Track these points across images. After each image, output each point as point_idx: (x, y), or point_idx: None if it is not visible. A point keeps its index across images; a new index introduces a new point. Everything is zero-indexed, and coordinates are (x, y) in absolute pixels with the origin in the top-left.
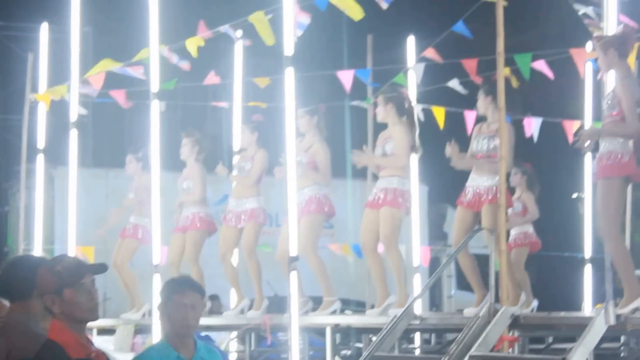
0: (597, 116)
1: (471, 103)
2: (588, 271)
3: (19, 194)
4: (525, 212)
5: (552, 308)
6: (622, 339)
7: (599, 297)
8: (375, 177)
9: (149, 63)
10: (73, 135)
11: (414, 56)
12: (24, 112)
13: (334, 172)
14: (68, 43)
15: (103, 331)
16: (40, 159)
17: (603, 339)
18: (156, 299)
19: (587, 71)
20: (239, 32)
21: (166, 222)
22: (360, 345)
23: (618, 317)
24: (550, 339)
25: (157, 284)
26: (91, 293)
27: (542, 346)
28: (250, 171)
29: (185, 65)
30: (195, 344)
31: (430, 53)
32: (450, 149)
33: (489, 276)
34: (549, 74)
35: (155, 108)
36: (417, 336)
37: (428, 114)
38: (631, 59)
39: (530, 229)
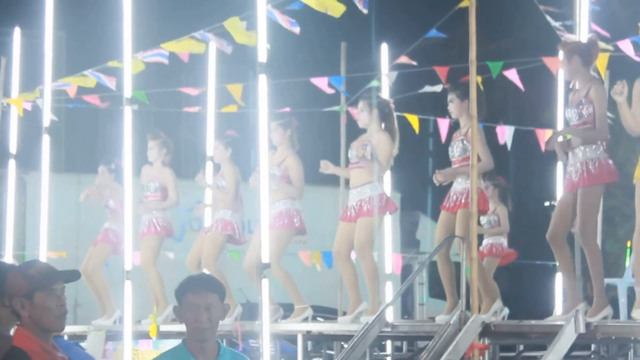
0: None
1: (445, 110)
2: (559, 279)
3: None
4: (498, 226)
5: (523, 316)
6: (593, 347)
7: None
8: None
9: (123, 69)
10: (45, 140)
11: (387, 63)
12: None
13: (306, 179)
14: (41, 47)
15: (74, 337)
16: (12, 164)
17: (573, 347)
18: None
19: (559, 79)
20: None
21: (138, 227)
22: (331, 352)
23: (588, 325)
24: (521, 347)
25: (128, 290)
26: (61, 299)
27: (513, 354)
28: (225, 189)
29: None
30: (219, 349)
31: (403, 60)
32: (440, 176)
33: (460, 284)
34: (519, 84)
35: (128, 113)
36: (389, 344)
37: (401, 121)
38: (602, 69)
39: (503, 241)
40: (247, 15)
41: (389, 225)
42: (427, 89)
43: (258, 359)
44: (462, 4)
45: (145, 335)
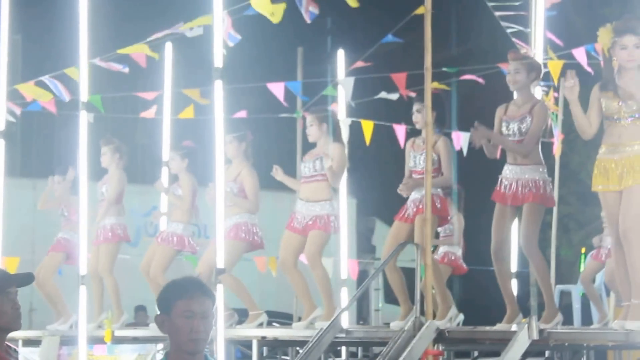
0: None
1: (401, 117)
2: (514, 285)
3: None
4: (452, 236)
5: (478, 322)
6: (547, 353)
7: (524, 312)
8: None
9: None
10: (0, 144)
11: (343, 69)
12: None
13: (263, 185)
14: None
15: (28, 342)
16: None
17: (527, 354)
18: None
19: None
20: (169, 47)
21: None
22: (286, 358)
23: (541, 331)
24: (476, 353)
25: (82, 295)
26: (15, 303)
27: None
28: (181, 197)
29: (125, 69)
30: None
31: (360, 66)
32: (404, 189)
33: (414, 290)
34: (479, 80)
35: (84, 118)
36: (344, 349)
37: (357, 127)
38: (555, 76)
39: (458, 250)
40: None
41: (345, 231)
42: (383, 95)
43: None
44: (418, 11)
45: (100, 340)
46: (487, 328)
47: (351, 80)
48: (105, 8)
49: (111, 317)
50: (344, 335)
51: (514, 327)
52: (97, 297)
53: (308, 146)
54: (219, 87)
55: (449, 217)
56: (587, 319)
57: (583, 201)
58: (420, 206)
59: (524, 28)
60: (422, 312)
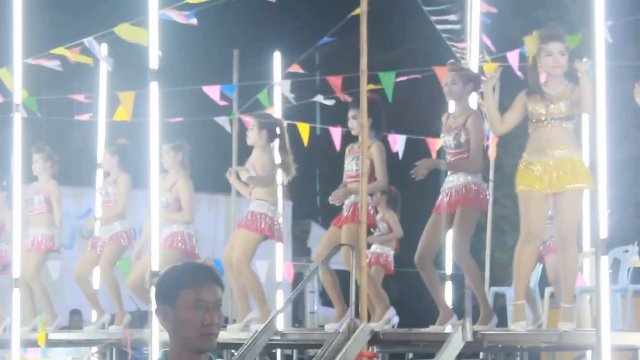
0: None
1: (337, 119)
2: (449, 288)
3: None
4: (390, 232)
5: (414, 324)
6: (481, 355)
7: (460, 314)
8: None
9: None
10: (17, 118)
11: (279, 72)
12: None
13: (200, 187)
14: None
15: None
16: None
17: (462, 355)
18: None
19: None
20: (104, 48)
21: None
22: None
23: (475, 333)
24: (411, 355)
25: (16, 298)
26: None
27: None
28: (116, 196)
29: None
30: None
31: (295, 69)
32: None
33: (349, 292)
34: (411, 77)
35: (18, 120)
36: (279, 352)
37: (293, 129)
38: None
39: (390, 252)
40: (138, 21)
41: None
42: (319, 98)
43: None
44: (354, 13)
45: (34, 344)
46: (422, 330)
47: (287, 82)
48: (42, 8)
49: (45, 321)
50: (278, 337)
51: (448, 329)
52: (28, 301)
53: (243, 148)
54: (154, 89)
55: (374, 224)
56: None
57: (518, 204)
58: (348, 214)
59: (459, 32)
60: (358, 314)
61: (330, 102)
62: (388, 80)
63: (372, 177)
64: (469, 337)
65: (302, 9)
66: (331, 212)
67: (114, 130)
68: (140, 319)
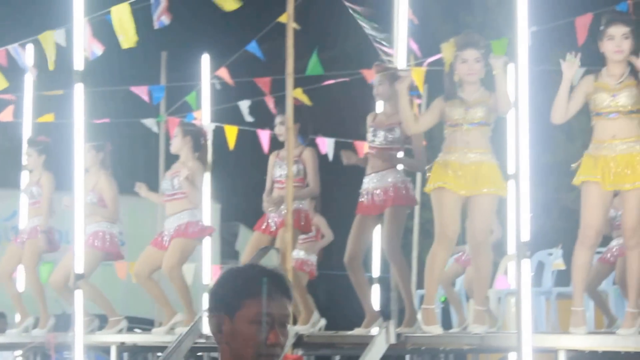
0: None
1: (265, 122)
2: (376, 290)
3: None
4: (318, 237)
5: (341, 327)
6: (407, 357)
7: (386, 317)
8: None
9: None
10: (80, 87)
11: (208, 74)
12: None
13: (126, 189)
14: None
15: None
16: None
17: (388, 358)
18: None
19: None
20: (30, 51)
21: None
22: None
23: (399, 335)
24: (337, 358)
25: None
26: None
27: None
28: (41, 196)
29: None
30: None
31: (223, 72)
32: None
33: None
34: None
35: None
36: (205, 355)
37: (221, 132)
38: (420, 84)
39: (314, 259)
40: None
41: (208, 237)
42: (244, 102)
43: None
44: (281, 18)
45: None
46: (348, 333)
47: (215, 85)
48: None
49: None
50: (204, 340)
51: (374, 332)
52: None
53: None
54: (79, 91)
55: (310, 230)
56: (447, 323)
57: None
58: (279, 220)
59: (388, 36)
60: None
61: (249, 119)
62: (315, 66)
63: (303, 182)
64: (393, 340)
65: (231, 12)
66: (259, 215)
67: (40, 131)
68: (65, 322)
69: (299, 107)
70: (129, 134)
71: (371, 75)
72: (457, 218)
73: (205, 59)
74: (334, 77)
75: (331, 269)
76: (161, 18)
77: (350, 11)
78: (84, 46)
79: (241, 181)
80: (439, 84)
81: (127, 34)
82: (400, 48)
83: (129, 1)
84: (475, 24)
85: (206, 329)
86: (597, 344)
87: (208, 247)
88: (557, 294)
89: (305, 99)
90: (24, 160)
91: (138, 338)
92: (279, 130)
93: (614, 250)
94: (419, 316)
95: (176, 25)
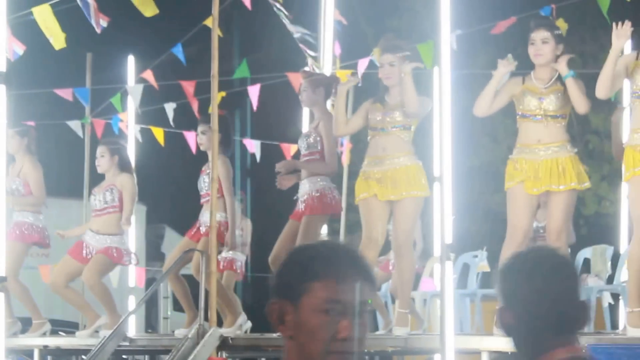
0: None
1: (191, 124)
2: None
3: None
4: (243, 240)
5: (269, 329)
6: None
7: None
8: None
9: None
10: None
11: (133, 76)
12: None
13: (52, 191)
14: None
15: None
16: None
17: None
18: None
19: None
20: None
21: None
22: None
23: None
24: None
25: None
26: None
27: None
28: None
29: None
30: None
31: (148, 75)
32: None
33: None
34: (255, 102)
35: None
36: (131, 358)
37: (148, 133)
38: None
39: (242, 258)
40: None
41: (133, 239)
42: (171, 105)
43: None
44: (207, 22)
45: None
46: (274, 335)
47: (140, 87)
48: None
49: None
50: (127, 343)
51: None
52: None
53: (96, 153)
54: (2, 93)
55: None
56: (373, 326)
57: None
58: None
59: (314, 39)
60: (207, 320)
61: (172, 107)
62: (243, 70)
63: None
64: None
65: (158, 15)
66: (185, 217)
67: None
68: None
69: (222, 117)
70: (53, 136)
71: (296, 78)
72: (384, 223)
73: (131, 61)
74: (260, 80)
75: (259, 271)
76: (99, 21)
77: (276, 9)
78: (4, 47)
79: (167, 183)
80: (367, 86)
81: (55, 35)
82: (326, 51)
83: (50, 2)
84: (402, 27)
85: (131, 331)
86: None
87: (133, 250)
88: (482, 295)
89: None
90: None
91: (61, 341)
92: (200, 139)
93: None
94: None
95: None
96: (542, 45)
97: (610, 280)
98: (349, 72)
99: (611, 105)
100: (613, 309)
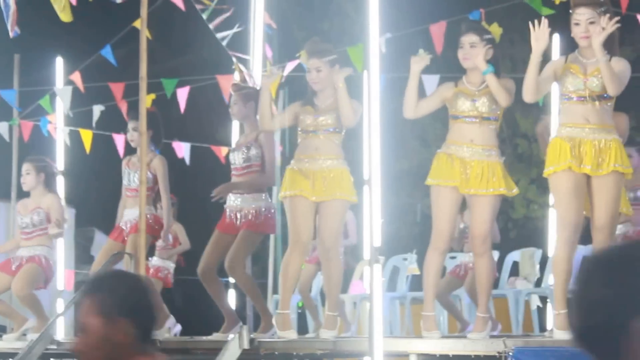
0: None
1: (120, 126)
2: (232, 296)
3: None
4: (176, 244)
5: (201, 332)
6: None
7: (244, 322)
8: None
9: None
10: None
11: (62, 78)
12: None
13: None
14: None
15: None
16: None
17: None
18: None
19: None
20: None
21: None
22: None
23: (252, 341)
24: None
25: None
26: None
27: None
28: None
29: None
30: None
31: (76, 77)
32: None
33: None
34: (182, 104)
35: None
36: None
37: (77, 136)
38: (273, 91)
39: (171, 267)
40: None
41: (62, 242)
42: (99, 107)
43: None
44: (136, 24)
45: None
46: (204, 338)
47: (69, 89)
48: None
49: None
50: (55, 346)
51: (231, 337)
52: None
53: (24, 154)
54: None
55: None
56: (305, 329)
57: None
58: (130, 225)
59: (244, 42)
60: None
61: (100, 109)
62: (170, 87)
63: (153, 190)
64: (246, 345)
65: (86, 16)
66: (114, 220)
67: None
68: None
69: (152, 113)
70: None
71: (226, 81)
72: (311, 224)
73: (59, 63)
74: (190, 83)
75: (191, 274)
76: (14, 29)
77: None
78: None
79: (96, 185)
80: (297, 89)
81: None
82: (256, 54)
83: None
84: (333, 31)
85: (59, 334)
86: (448, 348)
87: (62, 252)
88: (411, 298)
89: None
90: None
91: None
92: (131, 135)
93: (463, 265)
94: (274, 321)
95: (30, 27)
96: (470, 49)
97: (538, 283)
98: (280, 75)
99: (539, 108)
100: (541, 311)
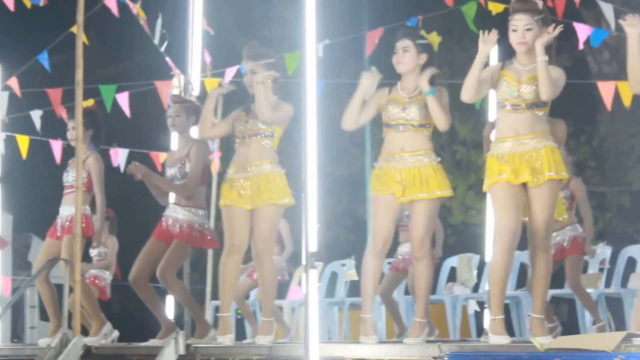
0: None
1: (57, 132)
2: (169, 302)
3: None
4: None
5: (138, 339)
6: None
7: (181, 328)
8: None
9: None
10: None
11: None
12: None
13: None
14: None
15: None
16: None
17: None
18: None
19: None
20: None
21: None
22: None
23: (188, 346)
24: None
25: None
26: None
27: None
28: None
29: None
30: None
31: (13, 82)
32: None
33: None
34: (126, 109)
35: None
36: None
37: (14, 142)
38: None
39: (108, 274)
40: None
41: None
42: (38, 113)
43: None
44: (73, 29)
45: None
46: (141, 344)
47: (6, 94)
48: None
49: None
50: None
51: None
52: None
53: None
54: None
55: (92, 236)
56: (244, 334)
57: None
58: (68, 225)
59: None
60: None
61: (38, 114)
62: (108, 93)
63: (88, 187)
64: (182, 351)
65: (25, 21)
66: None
67: None
68: None
69: (93, 112)
70: None
71: (163, 87)
72: (245, 230)
73: None
74: (128, 88)
75: (127, 281)
76: None
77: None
78: None
79: (33, 192)
80: (236, 95)
81: None
82: (194, 60)
83: None
84: (273, 37)
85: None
86: (384, 353)
87: None
88: (349, 304)
89: (108, 106)
90: None
91: None
92: (70, 135)
93: (401, 257)
94: (215, 325)
95: None
96: (403, 53)
97: (476, 288)
98: (219, 80)
99: (477, 116)
100: (479, 316)
